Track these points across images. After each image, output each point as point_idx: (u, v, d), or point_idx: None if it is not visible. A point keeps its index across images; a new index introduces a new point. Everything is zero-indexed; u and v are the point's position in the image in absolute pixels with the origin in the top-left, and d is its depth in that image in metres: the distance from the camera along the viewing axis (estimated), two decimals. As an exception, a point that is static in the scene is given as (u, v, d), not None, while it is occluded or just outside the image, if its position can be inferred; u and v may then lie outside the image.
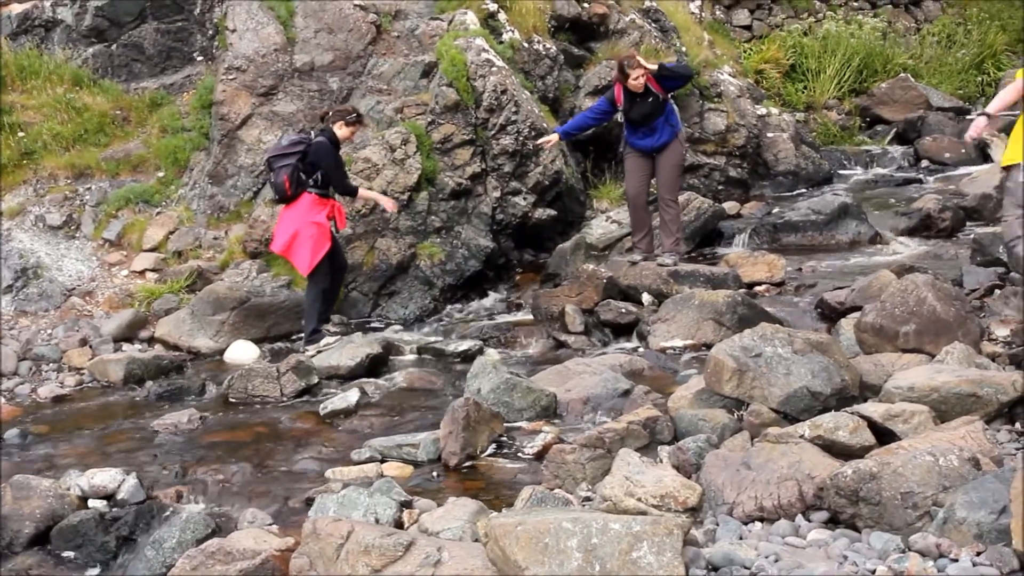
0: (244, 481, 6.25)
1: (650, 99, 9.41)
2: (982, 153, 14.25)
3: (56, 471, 6.34)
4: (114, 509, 5.72)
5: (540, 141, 10.18)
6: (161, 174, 11.19)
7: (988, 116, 7.53)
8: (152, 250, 10.45)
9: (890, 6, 19.19)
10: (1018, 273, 7.72)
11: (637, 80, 9.36)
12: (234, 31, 11.25)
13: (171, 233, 10.58)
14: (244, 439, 7.06)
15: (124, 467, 6.22)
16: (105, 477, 5.99)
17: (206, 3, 11.95)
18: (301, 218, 9.02)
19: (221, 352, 9.21)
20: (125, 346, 9.28)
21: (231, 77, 11.00)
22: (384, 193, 9.98)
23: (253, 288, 9.67)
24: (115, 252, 10.50)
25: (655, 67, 9.29)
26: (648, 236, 9.91)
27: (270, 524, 5.46)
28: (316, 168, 9.01)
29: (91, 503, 5.88)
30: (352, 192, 9.24)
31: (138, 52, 11.88)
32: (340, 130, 9.20)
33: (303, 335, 9.21)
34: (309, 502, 5.63)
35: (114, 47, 11.86)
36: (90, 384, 8.65)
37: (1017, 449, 5.07)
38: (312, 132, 9.39)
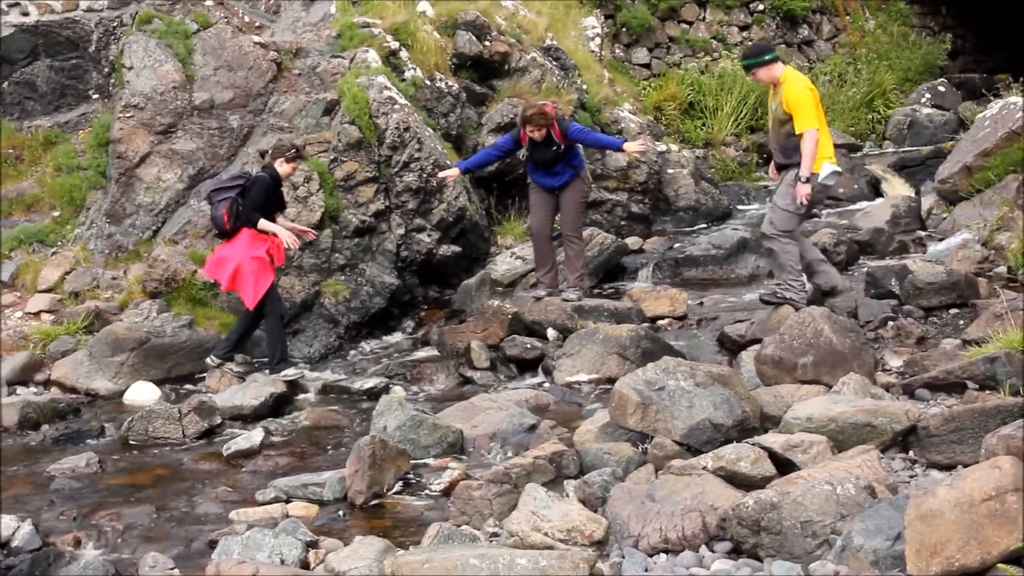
0: (145, 525, 6.12)
1: (552, 147, 9.53)
2: (874, 189, 14.67)
3: (-54, 520, 6.13)
4: (8, 558, 5.55)
5: (441, 175, 10.22)
6: (56, 213, 10.94)
7: (809, 179, 8.25)
8: (47, 291, 10.19)
9: (783, 46, 19.70)
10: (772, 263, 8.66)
11: (533, 133, 9.51)
12: (131, 68, 11.09)
13: (67, 273, 10.32)
14: (145, 482, 6.92)
15: (19, 514, 6.03)
16: (-2, 525, 5.81)
17: (101, 40, 11.76)
18: (242, 253, 8.97)
19: (120, 394, 9.00)
20: (20, 389, 9.01)
21: (128, 115, 10.83)
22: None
23: (153, 328, 9.48)
24: (8, 294, 10.23)
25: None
26: (552, 271, 9.99)
27: (172, 568, 5.35)
28: (264, 202, 9.04)
29: (-16, 552, 5.70)
30: (252, 223, 9.02)
31: (31, 90, 11.63)
32: (281, 167, 9.19)
33: (268, 364, 9.10)
34: (213, 544, 5.55)
35: (5, 85, 11.59)
36: (-18, 429, 8.39)
37: (911, 477, 5.21)
38: (253, 170, 9.32)
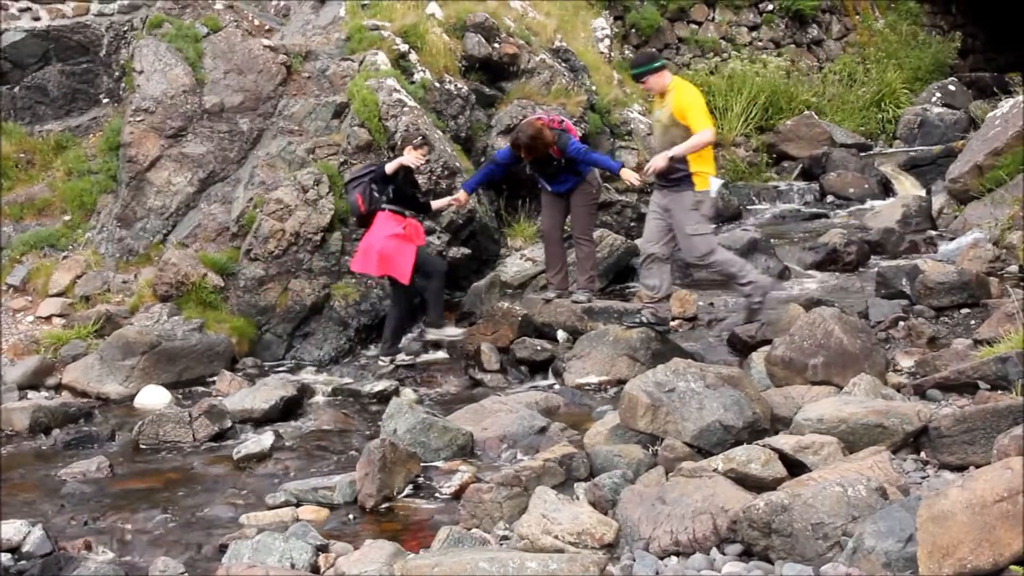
0: (155, 529, 6.13)
1: (553, 162, 9.48)
2: (885, 188, 14.65)
3: (-42, 524, 6.14)
4: (20, 562, 5.56)
5: (447, 200, 10.13)
6: (67, 217, 10.98)
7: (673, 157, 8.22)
8: (59, 295, 10.22)
9: (793, 45, 19.70)
10: (719, 277, 8.79)
11: (524, 156, 9.51)
12: (141, 72, 11.12)
13: (78, 277, 10.35)
14: (156, 486, 6.93)
15: (30, 518, 6.03)
16: (10, 529, 5.81)
17: (112, 44, 11.81)
18: (379, 234, 9.22)
19: (131, 398, 9.00)
20: (31, 394, 9.03)
21: (139, 119, 10.86)
22: (296, 235, 10.02)
23: (164, 332, 9.50)
24: (20, 298, 10.26)
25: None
26: (562, 273, 9.97)
27: (182, 572, 5.36)
28: (388, 184, 9.30)
29: (-5, 556, 5.71)
30: (425, 208, 9.73)
31: (42, 94, 11.68)
32: (410, 155, 9.39)
33: (381, 349, 9.66)
34: (223, 549, 5.54)
35: (17, 89, 11.65)
36: (-6, 433, 8.41)
37: (923, 478, 5.19)
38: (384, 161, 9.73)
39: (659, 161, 8.18)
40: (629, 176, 9.67)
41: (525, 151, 9.39)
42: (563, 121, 9.81)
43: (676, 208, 8.36)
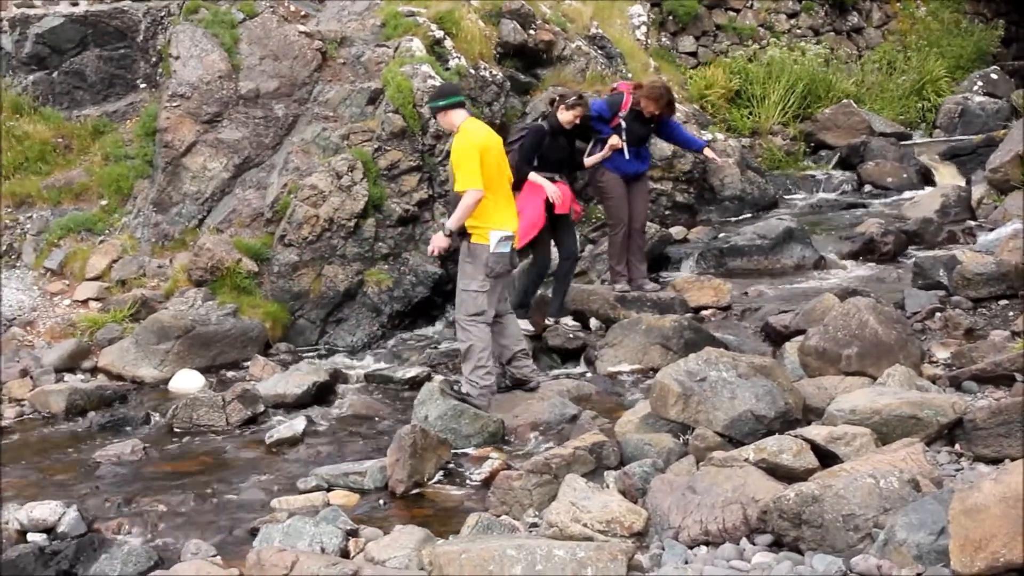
0: (188, 512, 6.18)
1: (650, 125, 9.50)
2: (924, 178, 14.49)
3: (-6, 505, 6.22)
4: (54, 543, 5.61)
5: (600, 156, 9.61)
6: (104, 202, 11.06)
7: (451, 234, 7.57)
8: (95, 279, 10.31)
9: (832, 33, 19.51)
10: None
11: (649, 106, 9.38)
12: (178, 58, 11.18)
13: (115, 262, 10.44)
14: (189, 469, 6.98)
15: (65, 499, 6.11)
16: (45, 510, 5.88)
17: (149, 30, 11.87)
18: (522, 200, 8.81)
19: (166, 382, 9.08)
20: (67, 376, 9.12)
21: (175, 104, 10.92)
22: (330, 221, 10.04)
23: (198, 317, 9.56)
24: (57, 281, 10.36)
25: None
26: (626, 263, 9.81)
27: (214, 555, 5.39)
28: (535, 152, 9.03)
29: (30, 537, 5.77)
30: (578, 166, 9.43)
31: (80, 79, 11.77)
32: (563, 114, 9.09)
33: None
34: (254, 532, 5.59)
35: (55, 74, 11.74)
36: (31, 415, 8.48)
37: (957, 470, 5.14)
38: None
39: (439, 241, 7.62)
40: (713, 154, 9.73)
41: (657, 100, 9.36)
42: None
43: (460, 257, 7.71)
